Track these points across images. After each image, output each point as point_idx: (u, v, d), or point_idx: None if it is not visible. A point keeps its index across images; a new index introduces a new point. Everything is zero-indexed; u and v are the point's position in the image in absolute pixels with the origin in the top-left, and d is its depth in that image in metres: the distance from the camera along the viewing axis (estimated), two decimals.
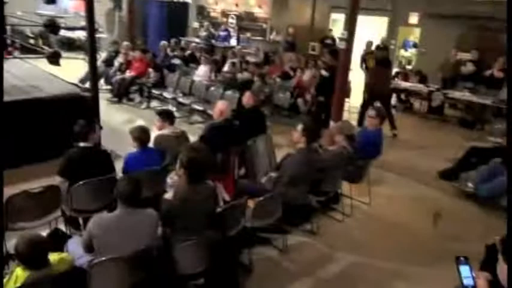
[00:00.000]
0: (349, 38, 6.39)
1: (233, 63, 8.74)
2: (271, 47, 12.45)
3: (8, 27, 8.98)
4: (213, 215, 2.96)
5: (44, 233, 3.01)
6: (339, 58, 6.73)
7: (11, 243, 2.50)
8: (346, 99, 7.71)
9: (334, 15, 12.21)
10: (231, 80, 7.98)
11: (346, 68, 6.71)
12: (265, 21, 13.64)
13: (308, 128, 3.88)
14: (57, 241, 2.87)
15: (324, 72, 7.27)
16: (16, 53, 9.16)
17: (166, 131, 4.16)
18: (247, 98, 5.33)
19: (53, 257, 2.25)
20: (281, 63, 9.58)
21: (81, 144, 3.43)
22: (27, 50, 9.78)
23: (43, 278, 2.13)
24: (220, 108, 4.49)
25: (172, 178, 3.36)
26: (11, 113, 4.49)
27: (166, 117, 4.27)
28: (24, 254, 2.11)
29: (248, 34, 13.56)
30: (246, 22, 13.94)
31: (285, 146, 5.51)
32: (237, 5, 14.10)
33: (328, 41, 11.27)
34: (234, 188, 4.06)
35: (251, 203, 3.30)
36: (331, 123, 6.23)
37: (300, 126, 3.89)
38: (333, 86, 6.71)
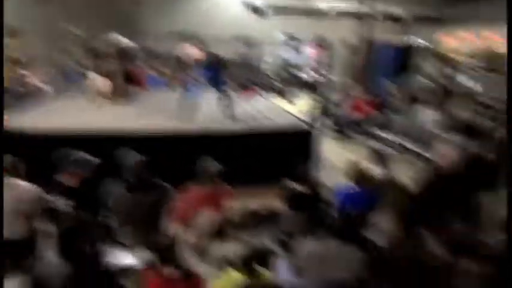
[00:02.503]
0: None
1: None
2: None
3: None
4: None
5: None
6: None
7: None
8: None
9: None
10: (458, 123, 7.13)
11: None
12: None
13: None
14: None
15: None
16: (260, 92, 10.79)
17: (377, 172, 4.05)
18: None
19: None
20: None
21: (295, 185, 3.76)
22: (270, 90, 11.40)
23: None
24: (445, 154, 4.06)
25: None
26: (247, 139, 5.29)
27: (377, 158, 4.19)
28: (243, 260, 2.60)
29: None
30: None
31: None
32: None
33: None
34: None
35: None
36: None
37: None
38: None
